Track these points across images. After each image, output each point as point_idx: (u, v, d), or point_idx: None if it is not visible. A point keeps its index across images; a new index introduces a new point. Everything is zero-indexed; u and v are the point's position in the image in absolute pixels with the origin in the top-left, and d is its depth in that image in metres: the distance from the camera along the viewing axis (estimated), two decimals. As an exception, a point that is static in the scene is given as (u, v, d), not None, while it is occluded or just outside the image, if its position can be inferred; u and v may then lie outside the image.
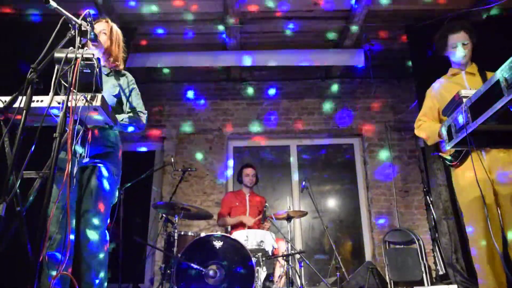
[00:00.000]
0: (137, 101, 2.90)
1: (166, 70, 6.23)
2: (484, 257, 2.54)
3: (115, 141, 2.73)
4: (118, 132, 2.79)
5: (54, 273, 2.28)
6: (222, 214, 4.95)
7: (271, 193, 6.13)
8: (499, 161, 2.60)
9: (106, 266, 2.57)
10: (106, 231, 2.60)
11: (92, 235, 2.49)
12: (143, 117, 2.87)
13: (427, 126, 2.95)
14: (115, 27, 2.92)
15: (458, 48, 2.92)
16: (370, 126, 6.22)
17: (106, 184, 2.60)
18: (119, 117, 2.67)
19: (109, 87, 2.78)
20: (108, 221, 2.64)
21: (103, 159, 2.62)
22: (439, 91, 2.99)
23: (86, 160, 2.50)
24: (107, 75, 2.84)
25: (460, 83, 2.92)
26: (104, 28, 2.83)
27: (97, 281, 2.48)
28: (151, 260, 5.64)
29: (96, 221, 2.52)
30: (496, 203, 2.58)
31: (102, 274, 2.52)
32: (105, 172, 2.61)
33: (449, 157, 2.72)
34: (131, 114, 2.80)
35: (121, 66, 2.93)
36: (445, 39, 2.97)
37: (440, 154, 2.82)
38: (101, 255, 2.53)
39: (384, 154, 6.05)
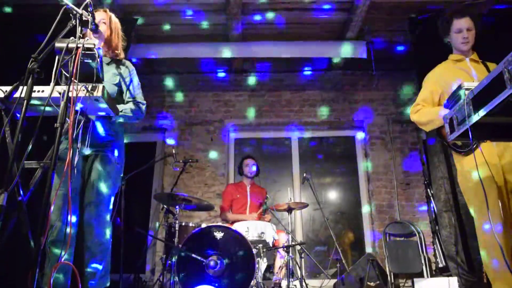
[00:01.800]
0: (137, 90, 2.90)
1: (164, 68, 6.21)
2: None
3: (116, 129, 2.74)
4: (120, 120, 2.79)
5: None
6: (224, 208, 4.94)
7: (272, 184, 6.14)
8: (510, 148, 2.58)
9: (109, 255, 2.60)
10: (109, 220, 2.62)
11: (95, 224, 2.51)
12: (143, 108, 2.88)
13: (429, 110, 2.85)
14: (114, 17, 2.92)
15: (463, 34, 2.88)
16: (371, 118, 6.21)
17: (107, 173, 2.62)
18: (120, 107, 2.68)
19: (110, 76, 2.78)
20: (111, 208, 2.66)
21: (105, 147, 2.64)
22: (444, 77, 2.92)
23: (87, 150, 2.51)
24: (108, 64, 2.84)
25: (466, 69, 2.87)
26: (104, 18, 2.83)
27: (100, 270, 2.51)
28: (152, 251, 5.67)
29: (99, 210, 2.55)
30: (506, 190, 2.55)
31: (105, 264, 2.56)
32: (106, 161, 2.63)
33: (459, 143, 2.65)
34: (132, 106, 2.80)
35: (122, 55, 2.93)
36: (449, 23, 2.91)
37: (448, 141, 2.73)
38: (104, 245, 2.56)
39: (385, 147, 6.04)
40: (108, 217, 2.61)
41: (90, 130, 2.48)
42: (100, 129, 2.62)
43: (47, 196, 1.73)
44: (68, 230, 2.30)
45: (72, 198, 2.52)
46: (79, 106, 2.04)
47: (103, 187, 2.59)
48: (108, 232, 2.59)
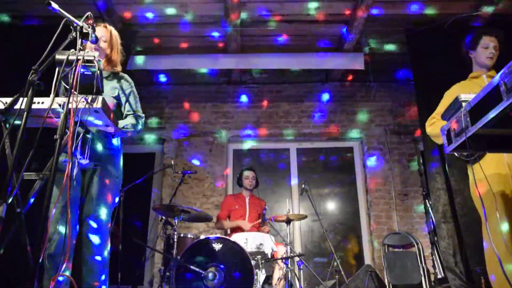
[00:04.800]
0: (135, 104, 2.92)
1: (163, 79, 6.24)
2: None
3: (116, 144, 2.75)
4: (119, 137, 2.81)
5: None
6: (221, 217, 4.95)
7: (270, 195, 6.13)
8: None
9: (107, 268, 2.59)
10: (108, 233, 2.61)
11: (94, 238, 2.52)
12: (142, 121, 2.90)
13: (443, 124, 2.93)
14: (114, 31, 2.93)
15: (489, 49, 3.02)
16: (369, 129, 6.23)
17: (106, 187, 2.62)
18: (122, 123, 2.70)
19: (109, 90, 2.80)
20: (109, 222, 2.66)
21: (104, 162, 2.65)
22: (459, 92, 2.98)
23: (86, 161, 2.52)
24: (106, 78, 2.86)
25: (481, 84, 2.94)
26: (104, 35, 2.84)
27: (98, 283, 2.50)
28: (151, 262, 5.64)
29: (97, 224, 2.55)
30: None
31: (103, 277, 2.55)
32: (105, 175, 2.63)
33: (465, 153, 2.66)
34: (133, 120, 2.82)
35: (119, 69, 2.95)
36: (479, 38, 3.06)
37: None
38: (103, 258, 2.56)
39: (383, 158, 6.05)
40: (106, 231, 2.62)
41: (89, 142, 2.49)
42: (100, 142, 2.63)
43: (46, 208, 1.73)
44: (67, 242, 2.30)
45: (71, 212, 2.52)
46: (78, 117, 2.04)
47: (102, 202, 2.59)
48: (106, 246, 2.59)
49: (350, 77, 6.40)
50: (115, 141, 2.75)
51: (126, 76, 2.98)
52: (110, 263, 2.66)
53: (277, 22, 5.23)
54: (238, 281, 3.61)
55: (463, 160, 2.71)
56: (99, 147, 2.63)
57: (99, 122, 2.22)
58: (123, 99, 2.86)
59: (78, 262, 2.54)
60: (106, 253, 2.59)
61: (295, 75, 6.37)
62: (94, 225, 2.54)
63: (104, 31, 2.85)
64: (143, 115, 2.93)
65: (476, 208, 2.74)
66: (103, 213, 2.59)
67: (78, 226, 2.57)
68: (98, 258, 2.53)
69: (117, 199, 2.76)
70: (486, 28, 3.17)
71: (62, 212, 2.45)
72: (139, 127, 2.85)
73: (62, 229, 2.43)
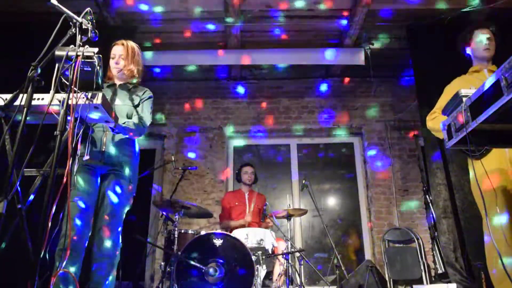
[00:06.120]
0: (146, 112, 2.99)
1: (163, 75, 6.23)
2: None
3: (132, 150, 2.90)
4: (137, 143, 2.94)
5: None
6: (224, 216, 4.93)
7: (271, 191, 6.14)
8: None
9: (116, 268, 2.70)
10: (119, 235, 2.73)
11: (106, 239, 2.63)
12: (143, 123, 2.93)
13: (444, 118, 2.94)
14: (130, 45, 3.05)
15: (483, 42, 3.03)
16: (370, 125, 6.22)
17: (121, 192, 2.75)
18: (124, 120, 2.75)
19: (128, 99, 2.92)
20: (121, 224, 2.78)
21: (120, 167, 2.77)
22: (461, 87, 2.98)
23: (87, 157, 2.53)
24: (129, 90, 2.99)
25: (482, 79, 2.92)
26: (122, 53, 2.97)
27: (106, 281, 2.60)
28: (151, 258, 5.64)
29: (111, 225, 2.67)
30: None
31: (111, 276, 2.66)
32: (120, 180, 2.76)
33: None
34: (136, 121, 2.87)
35: (136, 80, 3.07)
36: (471, 33, 3.09)
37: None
38: (113, 258, 2.67)
39: (383, 153, 6.05)
40: (118, 233, 2.72)
41: (89, 139, 2.52)
42: (121, 145, 2.79)
43: (47, 205, 1.73)
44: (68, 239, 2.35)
45: (88, 213, 2.63)
46: (78, 113, 2.04)
47: (116, 205, 2.71)
48: (117, 246, 2.70)
49: (350, 73, 6.38)
50: (132, 148, 2.88)
51: (145, 89, 3.08)
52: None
53: (277, 18, 5.22)
54: (239, 277, 3.62)
55: (466, 154, 2.71)
56: (116, 152, 2.76)
57: (99, 118, 2.23)
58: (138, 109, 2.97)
59: (89, 261, 2.62)
60: (116, 254, 2.69)
61: (295, 71, 6.36)
62: (108, 226, 2.65)
63: (122, 49, 2.99)
64: (149, 121, 3.00)
65: (476, 203, 2.74)
66: (116, 216, 2.71)
67: (91, 227, 2.67)
68: (109, 257, 2.63)
69: (130, 203, 2.87)
70: (477, 23, 3.17)
71: (77, 211, 2.58)
72: (142, 129, 2.89)
73: (77, 227, 2.55)
